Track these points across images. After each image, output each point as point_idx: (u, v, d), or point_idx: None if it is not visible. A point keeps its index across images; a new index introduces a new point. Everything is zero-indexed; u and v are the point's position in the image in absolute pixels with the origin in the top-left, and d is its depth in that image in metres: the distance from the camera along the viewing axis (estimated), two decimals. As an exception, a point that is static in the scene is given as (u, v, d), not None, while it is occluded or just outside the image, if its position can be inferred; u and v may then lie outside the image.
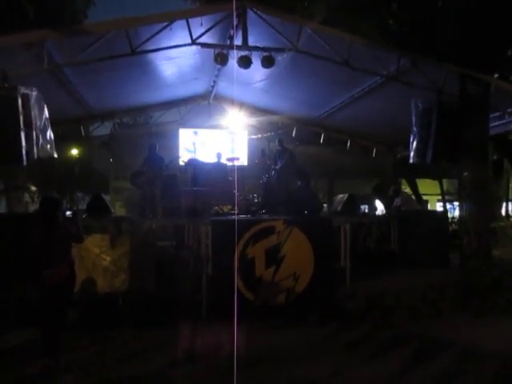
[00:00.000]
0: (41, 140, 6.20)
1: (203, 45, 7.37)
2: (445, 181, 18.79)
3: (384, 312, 6.39)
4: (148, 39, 6.90)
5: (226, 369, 3.73)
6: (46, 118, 6.39)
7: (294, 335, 5.58)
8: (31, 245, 4.79)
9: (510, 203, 20.25)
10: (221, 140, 12.72)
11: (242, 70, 7.57)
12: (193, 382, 4.37)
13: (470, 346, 5.13)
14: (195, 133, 12.78)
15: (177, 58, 8.59)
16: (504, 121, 8.54)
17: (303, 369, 4.58)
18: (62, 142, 7.67)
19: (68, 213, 7.24)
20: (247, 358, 4.60)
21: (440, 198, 19.74)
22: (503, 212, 18.34)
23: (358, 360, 4.81)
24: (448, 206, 18.95)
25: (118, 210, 15.68)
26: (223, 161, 10.12)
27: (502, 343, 5.20)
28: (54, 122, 6.87)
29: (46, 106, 6.40)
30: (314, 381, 4.32)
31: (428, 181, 18.68)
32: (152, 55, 7.88)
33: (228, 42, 7.77)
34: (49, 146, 6.52)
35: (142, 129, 15.31)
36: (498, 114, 8.40)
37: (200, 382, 4.34)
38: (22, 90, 5.88)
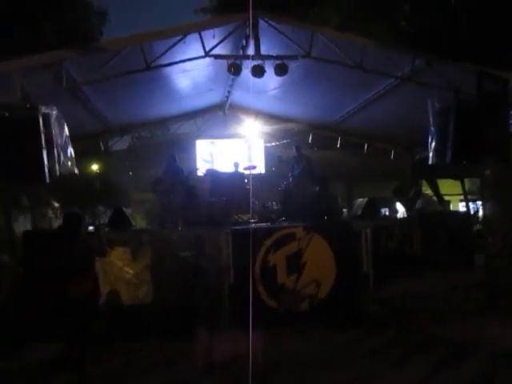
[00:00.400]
0: (62, 157, 6.32)
1: (216, 56, 7.45)
2: (467, 180, 18.43)
3: (408, 315, 6.31)
4: (162, 54, 7.01)
5: (249, 377, 3.72)
6: (66, 136, 6.53)
7: (317, 341, 5.55)
8: (55, 260, 4.89)
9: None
10: (238, 149, 12.79)
11: (256, 79, 7.62)
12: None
13: (497, 347, 5.02)
14: (212, 143, 12.90)
15: (191, 71, 8.70)
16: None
17: (328, 374, 4.55)
18: (82, 157, 7.87)
19: (91, 228, 7.35)
20: (271, 366, 4.59)
21: (462, 197, 19.36)
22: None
23: (382, 365, 4.76)
24: (471, 205, 18.56)
25: (139, 222, 15.82)
26: (241, 170, 10.18)
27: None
28: (74, 139, 7.00)
29: (65, 123, 6.55)
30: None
31: (449, 181, 18.33)
32: (167, 69, 8.00)
33: (240, 52, 7.83)
34: (70, 163, 6.65)
35: (160, 141, 15.48)
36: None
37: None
38: (43, 109, 6.01)
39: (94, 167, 18.82)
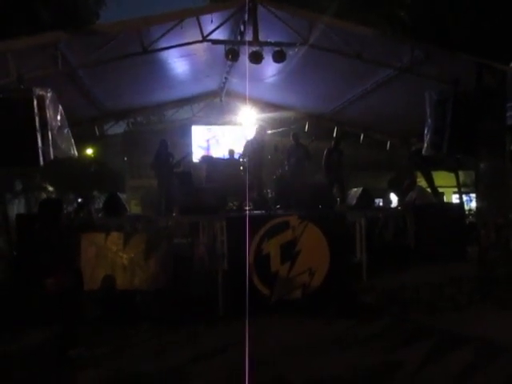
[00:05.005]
0: (57, 140, 6.27)
1: (214, 41, 7.38)
2: (461, 172, 18.51)
3: (401, 306, 6.36)
4: (159, 38, 6.94)
5: (242, 365, 3.76)
6: (62, 118, 6.46)
7: (310, 330, 5.58)
8: (37, 249, 4.63)
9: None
10: (233, 136, 12.75)
11: (254, 66, 7.56)
12: (208, 378, 4.39)
13: (490, 339, 5.07)
14: (208, 130, 12.85)
15: (188, 56, 8.62)
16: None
17: (319, 363, 4.58)
18: (76, 141, 7.78)
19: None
20: (265, 353, 4.62)
21: (456, 190, 19.45)
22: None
23: (375, 354, 4.80)
24: (464, 197, 18.67)
25: (134, 208, 15.82)
26: (236, 157, 10.15)
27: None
28: (69, 123, 6.95)
29: (60, 106, 6.47)
30: (331, 375, 4.32)
31: (444, 173, 18.42)
32: (164, 54, 7.92)
33: (239, 38, 7.76)
34: (66, 146, 6.59)
35: (156, 127, 15.40)
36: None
37: (215, 379, 4.37)
38: (38, 91, 5.95)
39: (89, 152, 18.75)
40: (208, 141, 12.45)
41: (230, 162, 9.98)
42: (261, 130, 9.42)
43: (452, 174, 18.37)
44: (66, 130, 6.57)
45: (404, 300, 6.50)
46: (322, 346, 5.04)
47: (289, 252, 6.65)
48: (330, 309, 6.18)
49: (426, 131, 7.57)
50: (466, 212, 12.49)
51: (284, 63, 7.86)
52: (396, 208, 11.76)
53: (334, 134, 12.88)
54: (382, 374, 4.35)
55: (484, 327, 5.46)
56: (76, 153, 6.91)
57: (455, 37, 9.47)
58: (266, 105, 12.67)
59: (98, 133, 11.72)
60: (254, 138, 9.34)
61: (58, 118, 6.36)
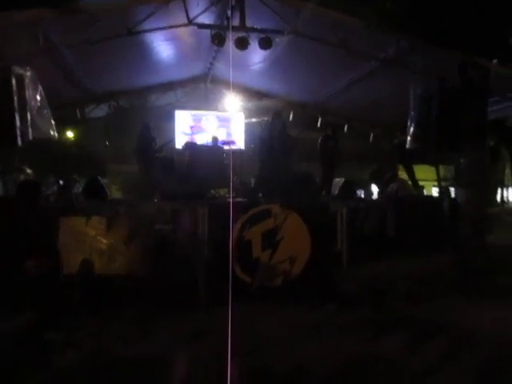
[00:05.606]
0: (37, 121, 6.13)
1: (200, 25, 7.30)
2: (441, 166, 18.78)
3: (381, 295, 6.43)
4: (144, 19, 6.82)
5: (222, 353, 3.76)
6: (42, 98, 6.30)
7: (290, 318, 5.60)
8: (14, 233, 4.55)
9: (504, 189, 20.27)
10: (217, 123, 12.66)
11: (239, 52, 7.51)
12: (190, 365, 4.39)
13: (468, 328, 5.18)
14: (192, 115, 12.72)
15: (173, 40, 8.50)
16: (501, 106, 8.51)
17: (299, 351, 4.62)
18: (57, 124, 7.59)
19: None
20: (246, 340, 4.63)
21: (436, 183, 19.74)
22: (498, 198, 18.40)
23: (354, 342, 4.85)
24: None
25: (115, 193, 15.61)
26: (220, 145, 10.10)
27: (500, 326, 5.24)
28: (49, 105, 6.80)
29: (40, 85, 6.30)
30: (310, 362, 4.37)
31: (424, 166, 18.66)
32: (149, 36, 7.80)
33: (225, 23, 7.68)
34: (46, 127, 6.44)
35: (138, 111, 15.18)
36: (496, 98, 8.36)
37: (197, 366, 4.36)
38: (17, 69, 5.78)
39: (70, 134, 18.39)
40: (192, 127, 12.30)
41: (213, 149, 9.91)
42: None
43: (432, 168, 18.63)
44: (45, 111, 6.40)
45: (383, 289, 6.59)
46: (304, 334, 5.07)
47: (270, 240, 6.66)
48: (311, 297, 6.22)
49: (408, 124, 7.63)
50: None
51: (270, 50, 7.83)
52: (377, 199, 11.87)
53: (319, 124, 12.91)
54: (363, 363, 4.39)
55: (462, 317, 5.56)
56: (56, 134, 6.76)
57: (441, 29, 9.53)
58: (251, 92, 12.61)
59: (79, 115, 11.51)
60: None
61: (38, 98, 6.19)
